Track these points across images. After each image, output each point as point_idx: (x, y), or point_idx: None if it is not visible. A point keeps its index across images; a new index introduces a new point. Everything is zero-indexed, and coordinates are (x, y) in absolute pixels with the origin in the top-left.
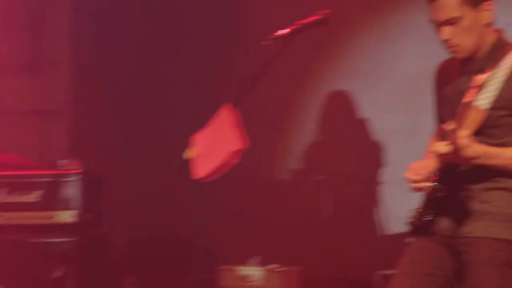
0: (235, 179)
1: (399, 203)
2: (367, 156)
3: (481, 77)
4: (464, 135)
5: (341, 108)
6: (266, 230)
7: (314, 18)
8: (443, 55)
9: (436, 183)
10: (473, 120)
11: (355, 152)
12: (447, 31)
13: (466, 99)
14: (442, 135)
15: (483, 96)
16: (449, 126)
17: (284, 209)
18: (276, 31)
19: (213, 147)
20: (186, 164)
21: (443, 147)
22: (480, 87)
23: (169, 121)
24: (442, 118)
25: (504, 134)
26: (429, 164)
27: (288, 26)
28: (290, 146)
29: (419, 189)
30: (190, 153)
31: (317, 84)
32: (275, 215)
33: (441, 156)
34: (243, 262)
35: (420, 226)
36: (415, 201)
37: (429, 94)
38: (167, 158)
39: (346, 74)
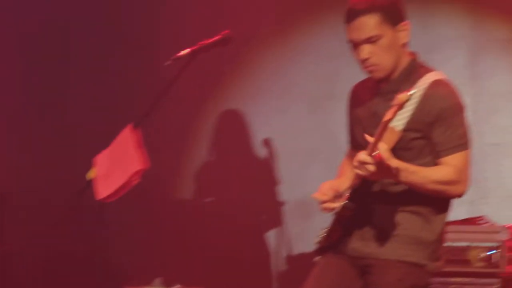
0: (137, 199)
1: (301, 223)
2: (267, 176)
3: (402, 96)
4: (386, 148)
5: (243, 128)
6: (169, 250)
7: (215, 38)
8: (346, 77)
9: (346, 202)
10: (388, 140)
11: (254, 173)
12: (366, 50)
13: (385, 118)
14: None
15: (398, 117)
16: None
17: (186, 229)
18: (178, 51)
19: (115, 167)
20: (89, 184)
21: (366, 157)
22: (400, 106)
23: (72, 140)
24: (355, 139)
25: (415, 157)
26: (338, 185)
27: (190, 46)
28: (192, 167)
29: (327, 210)
30: (93, 173)
31: (219, 103)
32: (178, 235)
33: (363, 167)
34: (147, 283)
35: (327, 246)
36: (317, 222)
37: (331, 115)
38: (71, 177)
39: (249, 94)
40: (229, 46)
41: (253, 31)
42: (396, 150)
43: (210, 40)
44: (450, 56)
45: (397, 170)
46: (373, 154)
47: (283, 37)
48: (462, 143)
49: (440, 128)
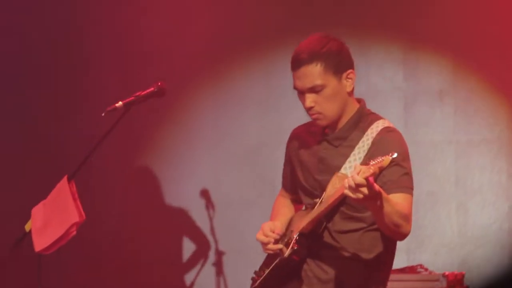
0: (74, 251)
1: (240, 271)
2: (206, 226)
3: (386, 159)
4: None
5: (178, 179)
6: None
7: (149, 90)
8: (280, 127)
9: (296, 247)
10: (338, 187)
11: (193, 222)
12: (310, 99)
13: (365, 174)
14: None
15: (349, 165)
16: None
17: (125, 282)
18: (113, 103)
19: (52, 219)
20: (26, 236)
21: (363, 180)
22: (381, 169)
23: (9, 193)
24: (300, 182)
25: (360, 208)
26: (277, 225)
27: (124, 98)
28: (130, 217)
29: (271, 251)
30: (30, 225)
31: (154, 154)
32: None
33: (358, 190)
34: None
35: (264, 284)
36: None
37: (265, 164)
38: (7, 228)
39: (183, 144)
40: (164, 97)
41: (186, 79)
42: (346, 198)
43: (144, 92)
44: (384, 106)
45: (380, 195)
46: (366, 176)
47: (218, 88)
48: (409, 187)
49: (390, 170)
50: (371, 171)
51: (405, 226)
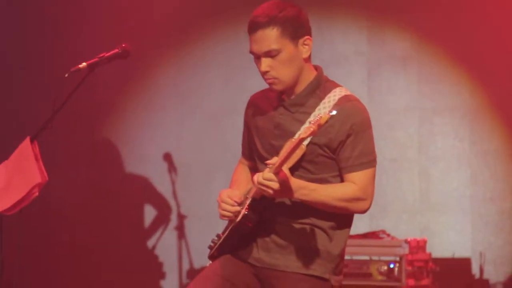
0: (36, 213)
1: (202, 235)
2: (168, 189)
3: (323, 117)
4: (286, 166)
5: (141, 141)
6: (68, 264)
7: (113, 51)
8: (243, 92)
9: (247, 212)
10: (294, 155)
11: (155, 185)
12: (266, 63)
13: (300, 135)
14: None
15: (304, 131)
16: (272, 160)
17: (85, 244)
18: (76, 64)
19: (14, 180)
20: None
21: (271, 175)
22: (319, 126)
23: None
24: (253, 149)
25: (321, 170)
26: (236, 193)
27: (88, 59)
28: (91, 179)
29: (226, 216)
30: None
31: (118, 116)
32: (77, 250)
33: (267, 185)
34: None
35: (220, 253)
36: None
37: (228, 129)
38: None
39: (148, 108)
40: (128, 59)
41: (149, 44)
42: (302, 163)
43: (108, 53)
44: (348, 72)
45: (299, 188)
46: (275, 172)
47: (180, 50)
48: (369, 160)
49: (351, 144)
50: (312, 129)
51: (355, 207)
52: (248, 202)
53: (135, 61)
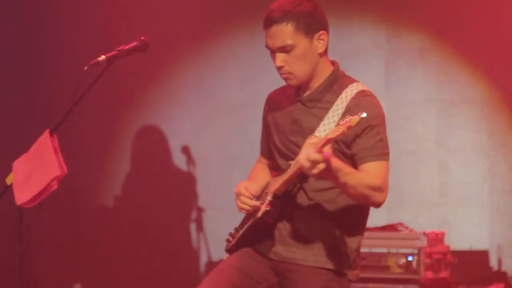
0: (56, 205)
1: (221, 228)
2: (186, 182)
3: (354, 119)
4: (329, 147)
5: (159, 135)
6: (88, 256)
7: (132, 44)
8: (262, 86)
9: (269, 209)
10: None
11: (174, 178)
12: (280, 58)
13: (329, 135)
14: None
15: (322, 128)
16: (311, 139)
17: (105, 236)
18: (95, 57)
19: (33, 172)
20: (8, 189)
21: (317, 155)
22: (349, 128)
23: None
24: (272, 145)
25: None
26: (253, 186)
27: (107, 52)
28: (112, 174)
29: (244, 209)
30: (11, 178)
31: (136, 110)
32: (97, 242)
33: (314, 165)
34: None
35: (238, 247)
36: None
37: (247, 123)
38: None
39: (166, 102)
40: (146, 53)
41: (170, 38)
42: None
43: (127, 46)
44: (365, 64)
45: (337, 169)
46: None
47: (200, 45)
48: (384, 153)
49: (365, 136)
50: (341, 130)
51: (376, 196)
52: (269, 197)
53: (155, 55)
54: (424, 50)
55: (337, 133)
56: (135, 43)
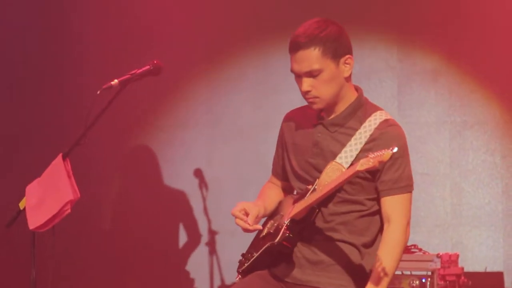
0: (68, 229)
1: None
2: (199, 206)
3: (387, 154)
4: None
5: (171, 158)
6: (101, 279)
7: (145, 68)
8: (274, 108)
9: (288, 234)
10: (333, 177)
11: (187, 202)
12: (307, 83)
13: (357, 168)
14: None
15: (345, 154)
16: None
17: (118, 260)
18: (108, 81)
19: (46, 197)
20: (21, 214)
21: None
22: (380, 163)
23: (3, 171)
24: (291, 165)
25: (357, 191)
26: (253, 208)
27: (120, 76)
28: (124, 196)
29: (245, 230)
30: (24, 202)
31: (149, 133)
32: (110, 265)
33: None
34: None
35: (251, 270)
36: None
37: (259, 144)
38: (2, 206)
39: (177, 124)
40: (159, 76)
41: (181, 61)
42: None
43: (140, 70)
44: (378, 86)
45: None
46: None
47: (211, 67)
48: (409, 184)
49: (391, 168)
50: (371, 164)
51: (406, 238)
52: (286, 222)
53: (167, 78)
54: (437, 72)
55: (367, 166)
56: (148, 66)
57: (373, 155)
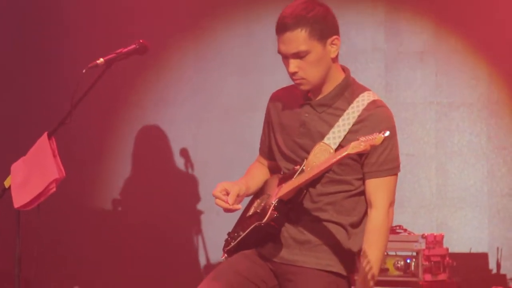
0: (53, 208)
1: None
2: (185, 185)
3: (378, 138)
4: None
5: (157, 137)
6: (87, 258)
7: (131, 47)
8: (261, 89)
9: (276, 215)
10: (321, 159)
11: (172, 181)
12: (294, 64)
13: (347, 151)
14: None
15: (333, 135)
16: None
17: (103, 238)
18: (94, 60)
19: (32, 175)
20: (6, 192)
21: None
22: (371, 147)
23: None
24: (278, 145)
25: (346, 172)
26: (233, 187)
27: (106, 54)
28: (109, 176)
29: (226, 210)
30: (9, 181)
31: (134, 112)
32: (95, 244)
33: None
34: None
35: (237, 249)
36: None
37: (246, 125)
38: None
39: (163, 103)
40: (146, 54)
41: (167, 41)
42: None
43: (126, 49)
44: (365, 66)
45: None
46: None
47: (199, 46)
48: (395, 166)
49: (378, 149)
50: (362, 147)
51: (391, 219)
52: (274, 202)
53: (151, 57)
54: (424, 52)
55: (358, 149)
56: (134, 45)
57: (364, 138)
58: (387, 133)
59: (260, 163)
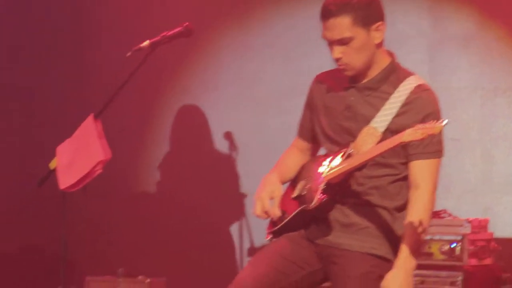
0: (99, 190)
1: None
2: (229, 168)
3: (438, 126)
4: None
5: (201, 121)
6: (132, 241)
7: (176, 30)
8: (304, 75)
9: (325, 199)
10: (368, 142)
11: (216, 166)
12: (338, 50)
13: (403, 138)
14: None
15: (380, 119)
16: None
17: (148, 221)
18: (139, 43)
19: (77, 157)
20: (51, 174)
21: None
22: (431, 135)
23: (34, 131)
24: (322, 127)
25: (390, 155)
26: (276, 188)
27: (150, 38)
28: (153, 159)
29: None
30: (55, 162)
31: (178, 96)
32: (140, 227)
33: None
34: (109, 273)
35: (283, 231)
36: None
37: (289, 110)
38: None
39: (207, 88)
40: (189, 38)
41: (211, 25)
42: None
43: (171, 32)
44: (409, 52)
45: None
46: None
47: (244, 31)
48: (439, 150)
49: None
50: (419, 135)
51: (433, 204)
52: (322, 186)
53: (195, 41)
54: (469, 37)
55: (414, 138)
56: (179, 29)
57: (421, 126)
58: (446, 121)
59: (296, 148)
